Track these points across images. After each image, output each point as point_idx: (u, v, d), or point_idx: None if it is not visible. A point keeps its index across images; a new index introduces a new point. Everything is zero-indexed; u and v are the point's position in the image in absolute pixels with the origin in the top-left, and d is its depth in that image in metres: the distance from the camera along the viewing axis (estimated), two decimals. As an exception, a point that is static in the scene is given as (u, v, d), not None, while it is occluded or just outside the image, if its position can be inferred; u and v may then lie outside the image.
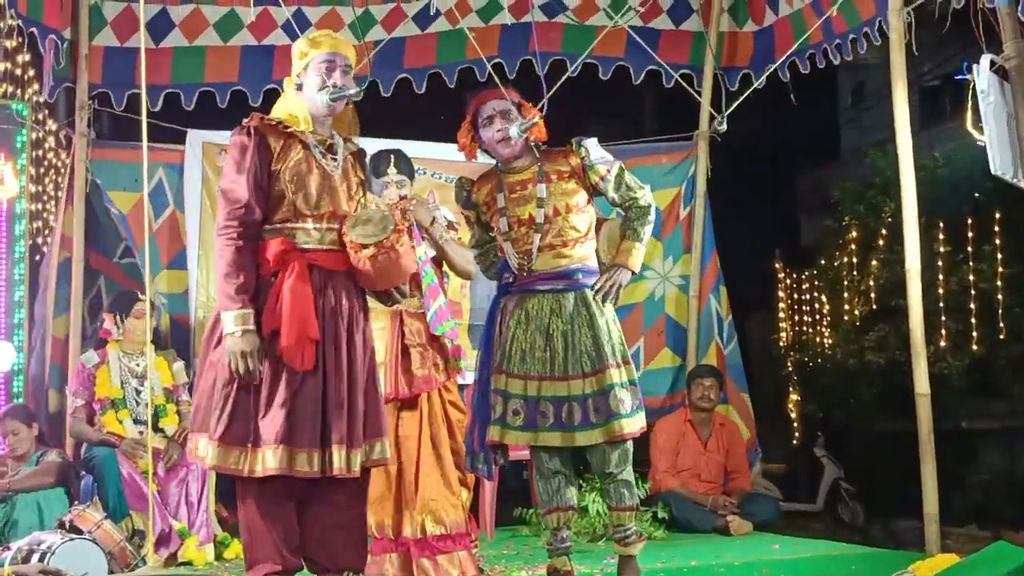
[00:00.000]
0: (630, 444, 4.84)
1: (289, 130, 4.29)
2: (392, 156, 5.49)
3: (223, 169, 4.35)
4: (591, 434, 4.72)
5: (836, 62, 7.32)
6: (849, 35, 7.01)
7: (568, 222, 4.83)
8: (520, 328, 4.83)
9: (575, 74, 7.78)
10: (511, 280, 4.93)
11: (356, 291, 4.36)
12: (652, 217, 4.94)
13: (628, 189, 4.91)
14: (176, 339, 7.25)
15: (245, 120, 4.31)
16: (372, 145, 6.29)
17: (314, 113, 4.34)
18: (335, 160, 4.37)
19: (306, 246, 4.24)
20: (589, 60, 7.88)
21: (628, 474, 4.87)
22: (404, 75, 7.87)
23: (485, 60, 4.89)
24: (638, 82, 8.17)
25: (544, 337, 4.79)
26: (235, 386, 4.13)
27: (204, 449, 4.15)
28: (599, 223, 5.00)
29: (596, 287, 4.82)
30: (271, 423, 4.09)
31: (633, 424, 4.75)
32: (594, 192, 4.93)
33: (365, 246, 4.21)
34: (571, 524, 5.00)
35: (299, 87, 4.37)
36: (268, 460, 4.07)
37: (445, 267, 5.54)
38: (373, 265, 4.21)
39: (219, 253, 4.19)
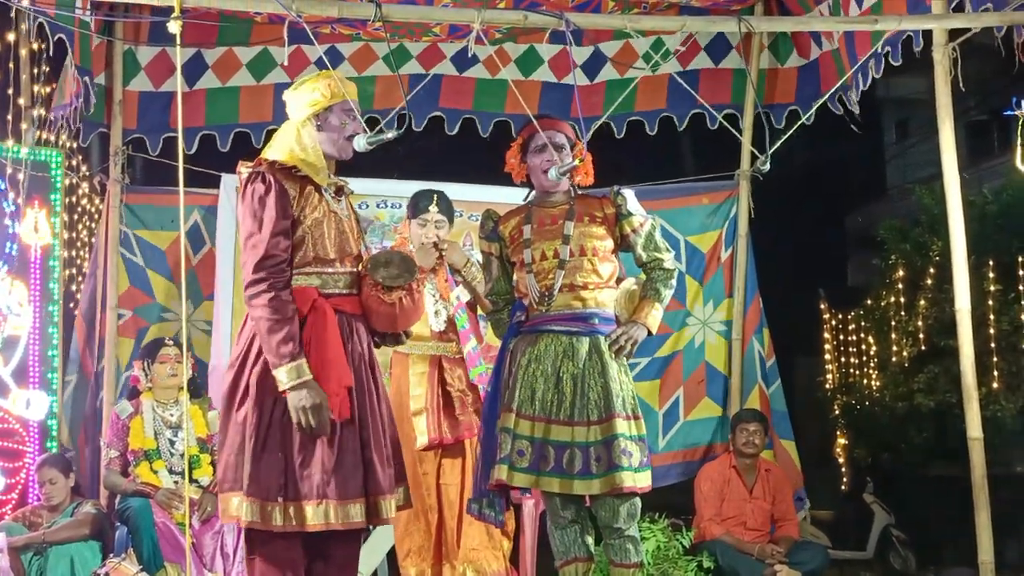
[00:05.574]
0: (639, 500, 4.73)
1: (301, 174, 4.20)
2: (435, 195, 5.56)
3: (243, 221, 4.21)
4: (590, 484, 4.62)
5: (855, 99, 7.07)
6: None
7: (592, 265, 4.77)
8: (531, 367, 4.74)
9: (621, 135, 7.87)
10: (523, 319, 4.84)
11: (370, 335, 4.30)
12: (675, 282, 4.91)
13: (656, 249, 4.87)
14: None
15: (250, 165, 4.22)
16: (411, 187, 6.27)
17: (331, 155, 4.28)
18: (340, 201, 4.31)
19: (330, 291, 4.17)
20: (634, 118, 7.89)
21: (635, 530, 4.76)
22: (438, 113, 7.86)
23: (532, 116, 4.90)
24: (682, 129, 8.10)
25: (554, 378, 4.71)
26: (266, 441, 4.03)
27: (238, 507, 4.06)
28: (617, 280, 4.92)
29: (611, 339, 4.73)
30: (310, 478, 4.02)
31: (639, 479, 4.63)
32: (622, 244, 4.86)
33: (392, 288, 4.15)
34: (589, 575, 4.89)
35: (319, 127, 4.27)
36: (310, 516, 4.00)
37: (479, 310, 5.50)
38: (400, 307, 4.17)
39: (255, 310, 4.06)
